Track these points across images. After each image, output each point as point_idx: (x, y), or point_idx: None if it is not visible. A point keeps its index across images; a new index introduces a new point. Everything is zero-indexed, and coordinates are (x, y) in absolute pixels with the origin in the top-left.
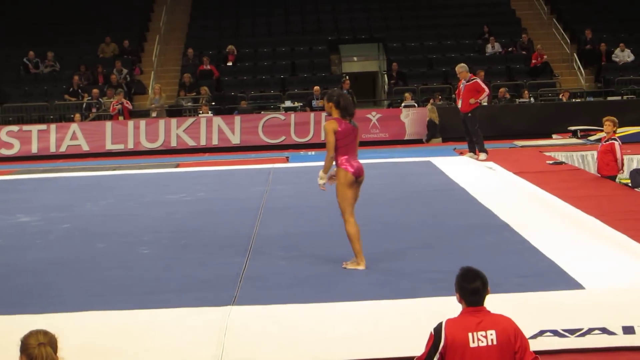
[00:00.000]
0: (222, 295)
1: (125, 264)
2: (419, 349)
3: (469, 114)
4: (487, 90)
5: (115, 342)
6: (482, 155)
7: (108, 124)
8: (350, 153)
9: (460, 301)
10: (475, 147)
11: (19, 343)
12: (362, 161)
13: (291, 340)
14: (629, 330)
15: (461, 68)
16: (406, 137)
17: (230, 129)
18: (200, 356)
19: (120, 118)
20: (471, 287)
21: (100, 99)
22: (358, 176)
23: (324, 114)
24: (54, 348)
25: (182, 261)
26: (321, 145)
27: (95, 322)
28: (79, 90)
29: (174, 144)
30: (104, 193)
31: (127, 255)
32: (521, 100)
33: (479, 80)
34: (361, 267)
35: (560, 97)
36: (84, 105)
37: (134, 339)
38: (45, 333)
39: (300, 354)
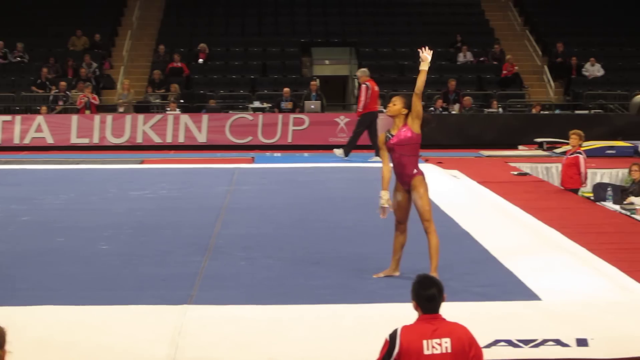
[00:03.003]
0: (179, 294)
1: (84, 259)
2: (374, 355)
3: (359, 118)
4: (363, 100)
5: (70, 338)
6: (338, 151)
7: (74, 118)
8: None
9: (416, 308)
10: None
11: None
12: (328, 165)
13: (247, 341)
14: (582, 342)
15: (359, 72)
16: None
17: (197, 127)
18: (154, 354)
19: (87, 112)
20: (427, 294)
21: (67, 92)
22: None
23: (292, 116)
24: (1, 342)
25: (142, 258)
26: (287, 147)
27: (51, 317)
28: (47, 83)
29: (139, 140)
30: (67, 187)
31: (87, 250)
32: (490, 110)
33: (363, 88)
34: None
35: (533, 110)
36: (51, 98)
37: (89, 335)
38: None
39: (256, 355)
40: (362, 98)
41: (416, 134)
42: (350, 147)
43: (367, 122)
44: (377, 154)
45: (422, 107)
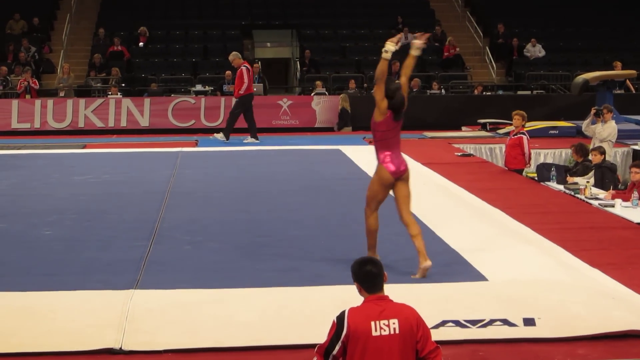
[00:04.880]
0: (124, 278)
1: (27, 244)
2: (322, 337)
3: (238, 100)
4: (246, 82)
5: (15, 324)
6: (219, 135)
7: (14, 102)
8: (394, 148)
9: (360, 291)
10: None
11: None
12: (271, 147)
13: (193, 325)
14: (529, 322)
15: (232, 56)
16: (317, 125)
17: (140, 111)
18: (101, 340)
19: (28, 97)
20: (364, 270)
21: (7, 77)
22: (398, 177)
23: (234, 99)
24: None
25: (86, 243)
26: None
27: None
28: None
29: (81, 124)
30: (8, 172)
31: (30, 235)
32: (432, 91)
33: (243, 69)
34: None
35: (475, 91)
36: None
37: (34, 321)
38: None
39: (203, 339)
40: (246, 81)
41: (373, 121)
42: (229, 130)
43: (246, 104)
44: (253, 136)
45: (382, 95)
